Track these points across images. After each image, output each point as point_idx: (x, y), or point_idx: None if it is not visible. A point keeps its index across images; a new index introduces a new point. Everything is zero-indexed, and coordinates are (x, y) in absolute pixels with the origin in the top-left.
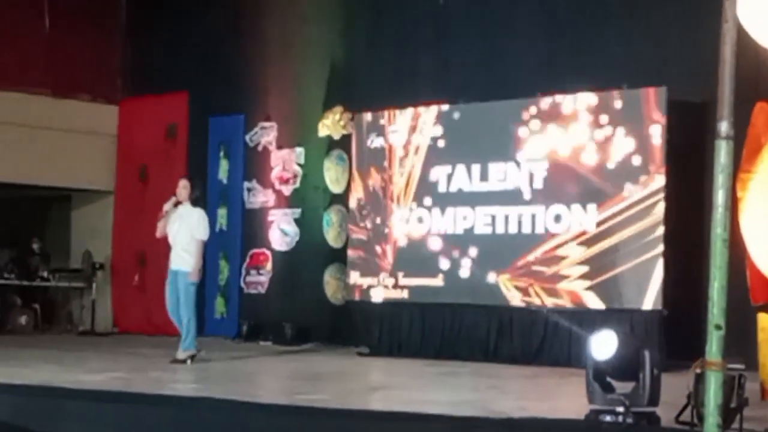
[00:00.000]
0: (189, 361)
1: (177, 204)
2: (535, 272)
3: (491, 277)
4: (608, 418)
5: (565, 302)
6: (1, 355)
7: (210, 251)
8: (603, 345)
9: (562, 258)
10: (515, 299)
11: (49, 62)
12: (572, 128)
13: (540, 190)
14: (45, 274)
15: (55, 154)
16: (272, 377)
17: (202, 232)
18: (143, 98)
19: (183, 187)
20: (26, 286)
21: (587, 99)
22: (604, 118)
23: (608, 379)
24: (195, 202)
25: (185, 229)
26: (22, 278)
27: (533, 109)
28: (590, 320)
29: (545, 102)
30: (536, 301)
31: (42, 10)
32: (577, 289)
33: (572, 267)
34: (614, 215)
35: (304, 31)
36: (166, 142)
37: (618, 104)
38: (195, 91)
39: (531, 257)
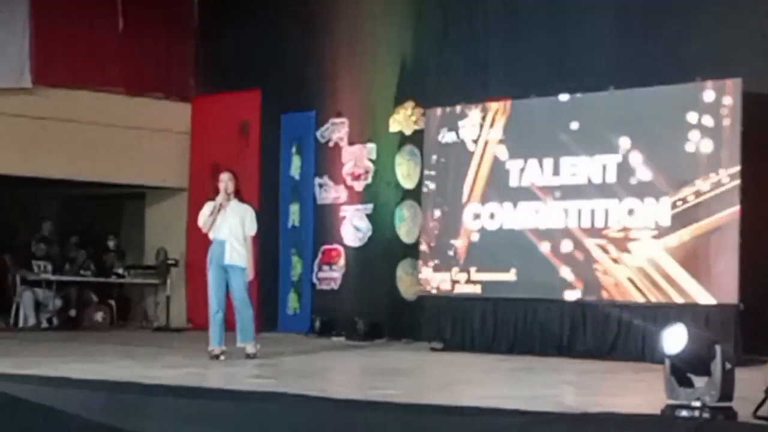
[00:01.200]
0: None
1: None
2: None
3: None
4: (684, 413)
5: (638, 257)
6: (78, 351)
7: (283, 247)
8: (674, 339)
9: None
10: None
11: (123, 61)
12: (644, 121)
13: (613, 183)
14: (120, 271)
15: (128, 151)
16: (345, 372)
17: (255, 227)
18: (216, 95)
19: (229, 179)
20: (102, 283)
21: (660, 92)
22: (676, 111)
23: (688, 374)
24: (237, 194)
25: (238, 224)
26: (98, 275)
27: (605, 102)
28: (664, 315)
29: (617, 95)
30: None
31: (115, 10)
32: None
33: (646, 255)
34: (688, 208)
35: (374, 27)
36: (239, 139)
37: (691, 96)
38: (267, 88)
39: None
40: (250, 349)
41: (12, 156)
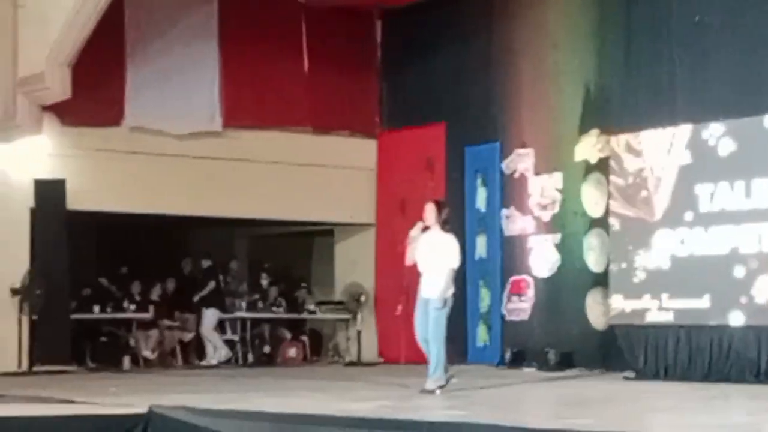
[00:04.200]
0: (438, 391)
1: (425, 229)
2: None
3: None
4: None
5: None
6: (273, 386)
7: (470, 279)
8: None
9: None
10: None
11: (309, 100)
12: None
13: None
14: (311, 307)
15: (316, 189)
16: (538, 403)
17: (454, 259)
18: (401, 131)
19: (430, 210)
20: (294, 319)
21: None
22: None
23: None
24: (444, 225)
25: (437, 256)
26: (289, 311)
27: None
28: None
29: None
30: None
31: (301, 50)
32: None
33: None
34: None
35: (556, 57)
36: (425, 173)
37: None
38: (450, 122)
39: None
40: (429, 384)
41: (205, 197)
